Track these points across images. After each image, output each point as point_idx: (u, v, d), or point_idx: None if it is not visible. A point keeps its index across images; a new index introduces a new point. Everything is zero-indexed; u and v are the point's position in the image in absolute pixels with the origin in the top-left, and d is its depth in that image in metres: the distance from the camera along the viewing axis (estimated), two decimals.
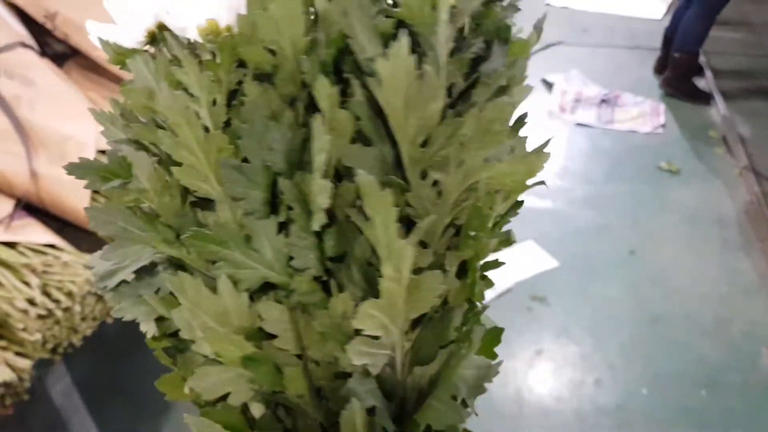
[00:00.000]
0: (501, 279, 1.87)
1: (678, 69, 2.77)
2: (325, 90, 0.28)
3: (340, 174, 0.30)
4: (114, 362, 1.59)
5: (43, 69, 1.11)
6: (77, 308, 0.86)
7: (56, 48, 1.28)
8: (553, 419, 1.50)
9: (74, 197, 1.05)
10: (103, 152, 1.07)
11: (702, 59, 3.05)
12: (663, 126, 2.62)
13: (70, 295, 0.86)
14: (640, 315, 1.77)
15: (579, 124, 2.65)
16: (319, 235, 0.29)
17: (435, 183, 0.30)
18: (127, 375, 1.57)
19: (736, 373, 1.62)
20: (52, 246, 0.95)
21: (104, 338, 1.12)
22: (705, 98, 2.78)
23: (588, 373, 1.61)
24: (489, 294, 1.82)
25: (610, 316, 1.77)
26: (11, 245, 0.93)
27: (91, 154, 1.06)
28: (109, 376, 1.55)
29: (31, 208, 1.09)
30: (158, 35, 0.34)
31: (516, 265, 1.93)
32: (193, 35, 0.32)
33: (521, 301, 1.81)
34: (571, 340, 1.70)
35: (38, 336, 0.82)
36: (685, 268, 1.94)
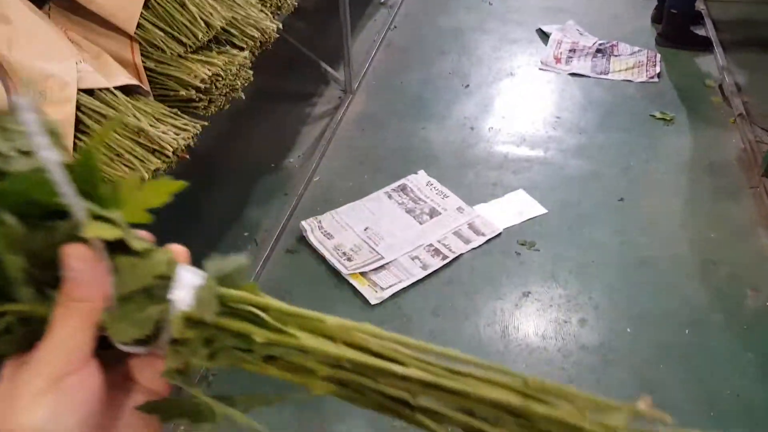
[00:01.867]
0: (490, 225, 1.90)
1: (674, 23, 2.75)
2: None
3: None
4: None
5: (20, 7, 1.11)
6: None
7: None
8: (538, 355, 1.54)
9: None
10: (84, 91, 1.08)
11: (702, 8, 3.01)
12: (658, 75, 2.60)
13: None
14: (627, 259, 1.80)
15: (573, 74, 2.64)
16: None
17: None
18: None
19: (721, 313, 1.65)
20: None
21: None
22: (704, 45, 2.76)
23: (573, 313, 1.64)
24: (478, 239, 1.85)
25: (598, 261, 1.79)
26: None
27: (72, 94, 1.08)
28: None
29: None
30: None
31: (505, 212, 1.95)
32: None
33: (510, 246, 1.84)
34: (557, 283, 1.73)
35: None
36: (674, 215, 1.96)
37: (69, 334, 0.31)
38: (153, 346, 0.32)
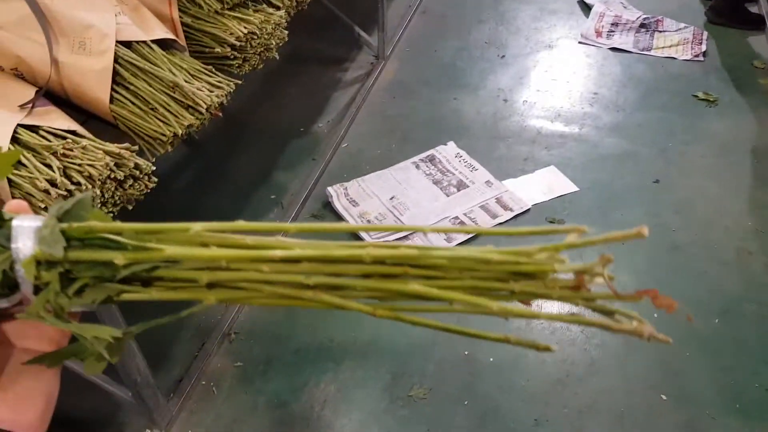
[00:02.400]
0: (518, 200, 1.87)
1: None
2: None
3: None
4: None
5: None
6: (97, 192, 0.89)
7: None
8: (560, 335, 1.53)
9: (95, 88, 1.06)
10: (122, 43, 1.07)
11: None
12: (704, 54, 2.51)
13: (90, 178, 0.88)
14: (659, 243, 1.76)
15: (614, 49, 2.55)
16: None
17: None
18: None
19: (752, 304, 1.61)
20: (73, 132, 0.97)
21: None
22: (755, 24, 2.64)
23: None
24: (505, 214, 1.82)
25: (629, 243, 1.75)
26: (34, 129, 0.95)
27: (111, 45, 1.07)
28: None
29: (57, 99, 1.11)
30: None
31: (535, 188, 1.92)
32: None
33: (538, 223, 1.81)
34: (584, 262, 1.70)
35: None
36: (711, 199, 1.90)
37: None
38: (17, 299, 0.32)
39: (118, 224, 0.33)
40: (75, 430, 1.30)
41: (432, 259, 0.34)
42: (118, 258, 0.32)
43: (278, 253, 0.33)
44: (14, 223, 0.32)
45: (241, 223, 0.34)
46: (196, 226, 0.33)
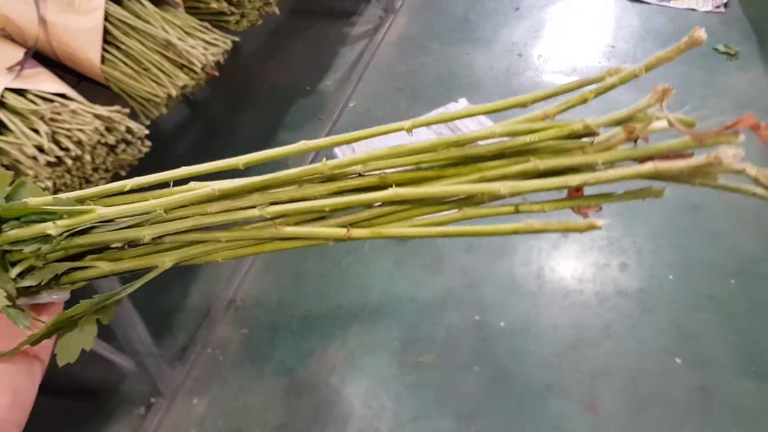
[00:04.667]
0: None
1: None
2: None
3: None
4: None
5: None
6: (87, 157, 0.85)
7: None
8: (573, 298, 1.49)
9: (85, 48, 1.01)
10: (113, 0, 1.01)
11: None
12: (726, 5, 2.39)
13: (79, 143, 0.84)
14: (677, 203, 1.70)
15: (632, 0, 2.44)
16: None
17: None
18: None
19: None
20: (62, 96, 0.92)
21: None
22: None
23: (614, 256, 1.58)
24: None
25: (645, 203, 1.69)
26: (21, 93, 0.91)
27: (100, 3, 1.01)
28: None
29: (47, 60, 1.06)
30: None
31: None
32: None
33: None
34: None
35: (49, 183, 0.81)
36: None
37: None
38: None
39: (52, 197, 0.31)
40: (79, 399, 1.29)
41: (409, 156, 0.30)
42: (51, 228, 0.30)
43: (216, 185, 0.30)
44: None
45: (183, 170, 0.32)
46: (131, 182, 0.31)
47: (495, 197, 0.29)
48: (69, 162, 0.83)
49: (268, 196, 0.31)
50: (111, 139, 0.88)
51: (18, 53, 1.00)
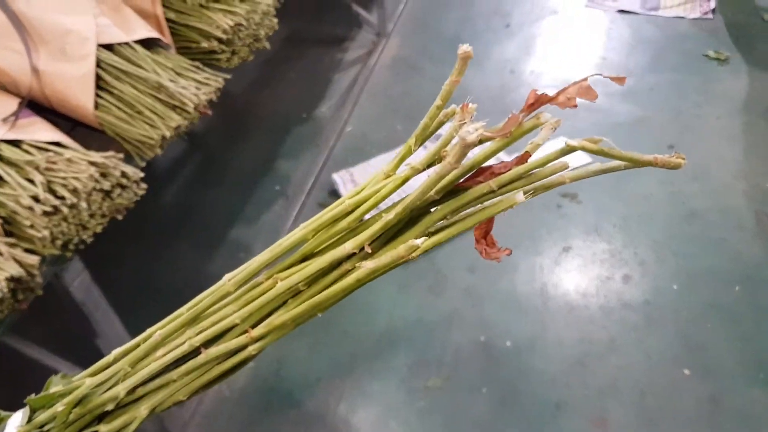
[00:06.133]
0: None
1: None
2: None
3: None
4: (140, 258, 1.64)
5: None
6: (83, 204, 0.86)
7: None
8: (578, 314, 1.49)
9: (78, 95, 1.03)
10: (104, 46, 1.03)
11: None
12: (713, 11, 2.41)
13: (75, 191, 0.85)
14: (676, 211, 1.70)
15: (621, 11, 2.46)
16: None
17: None
18: (155, 271, 1.62)
19: None
20: (57, 144, 0.94)
21: (127, 231, 1.13)
22: None
23: (617, 269, 1.57)
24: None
25: (644, 213, 1.70)
26: (16, 143, 0.92)
27: (92, 49, 1.03)
28: (135, 272, 1.60)
29: (42, 108, 1.08)
30: None
31: None
32: None
33: (551, 198, 1.76)
34: (601, 237, 1.65)
35: (46, 233, 0.82)
36: (727, 163, 1.84)
37: None
38: None
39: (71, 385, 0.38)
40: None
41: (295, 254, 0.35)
42: (59, 406, 0.37)
43: (158, 331, 0.36)
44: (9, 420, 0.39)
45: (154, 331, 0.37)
46: (113, 353, 0.38)
47: (343, 257, 0.33)
48: (65, 210, 0.84)
49: (196, 326, 0.36)
50: (106, 185, 0.89)
51: (12, 103, 1.01)
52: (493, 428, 1.31)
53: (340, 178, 1.86)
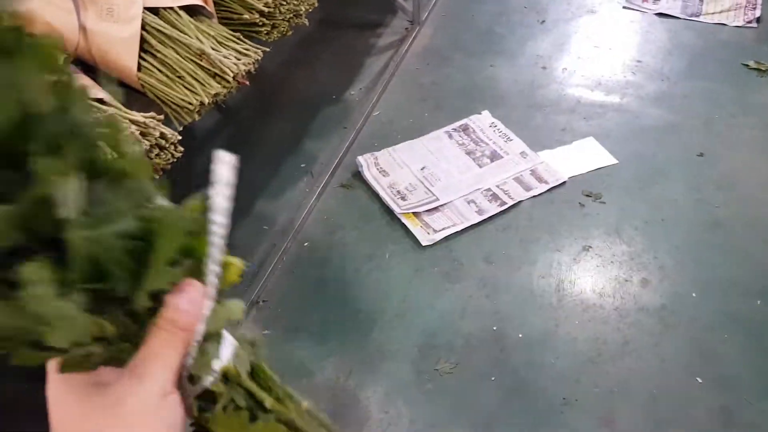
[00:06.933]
0: (554, 172, 1.81)
1: None
2: None
3: None
4: None
5: None
6: None
7: None
8: (592, 313, 1.49)
9: (123, 55, 1.05)
10: (150, 9, 1.05)
11: None
12: (758, 20, 2.37)
13: None
14: (701, 219, 1.69)
15: (660, 15, 2.43)
16: None
17: None
18: None
19: None
20: (100, 101, 0.96)
21: None
22: None
23: (635, 272, 1.57)
24: (540, 186, 1.77)
25: (668, 218, 1.69)
26: None
27: (138, 12, 1.05)
28: None
29: (87, 67, 1.10)
30: None
31: (572, 160, 1.86)
32: None
33: (574, 196, 1.76)
34: (621, 239, 1.65)
35: None
36: (757, 175, 1.82)
37: (172, 356, 0.33)
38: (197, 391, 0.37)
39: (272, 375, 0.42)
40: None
41: None
42: (269, 401, 0.40)
43: None
44: (224, 332, 0.39)
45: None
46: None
47: None
48: None
49: None
50: (145, 144, 0.91)
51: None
52: (500, 416, 1.32)
53: (364, 160, 1.88)
